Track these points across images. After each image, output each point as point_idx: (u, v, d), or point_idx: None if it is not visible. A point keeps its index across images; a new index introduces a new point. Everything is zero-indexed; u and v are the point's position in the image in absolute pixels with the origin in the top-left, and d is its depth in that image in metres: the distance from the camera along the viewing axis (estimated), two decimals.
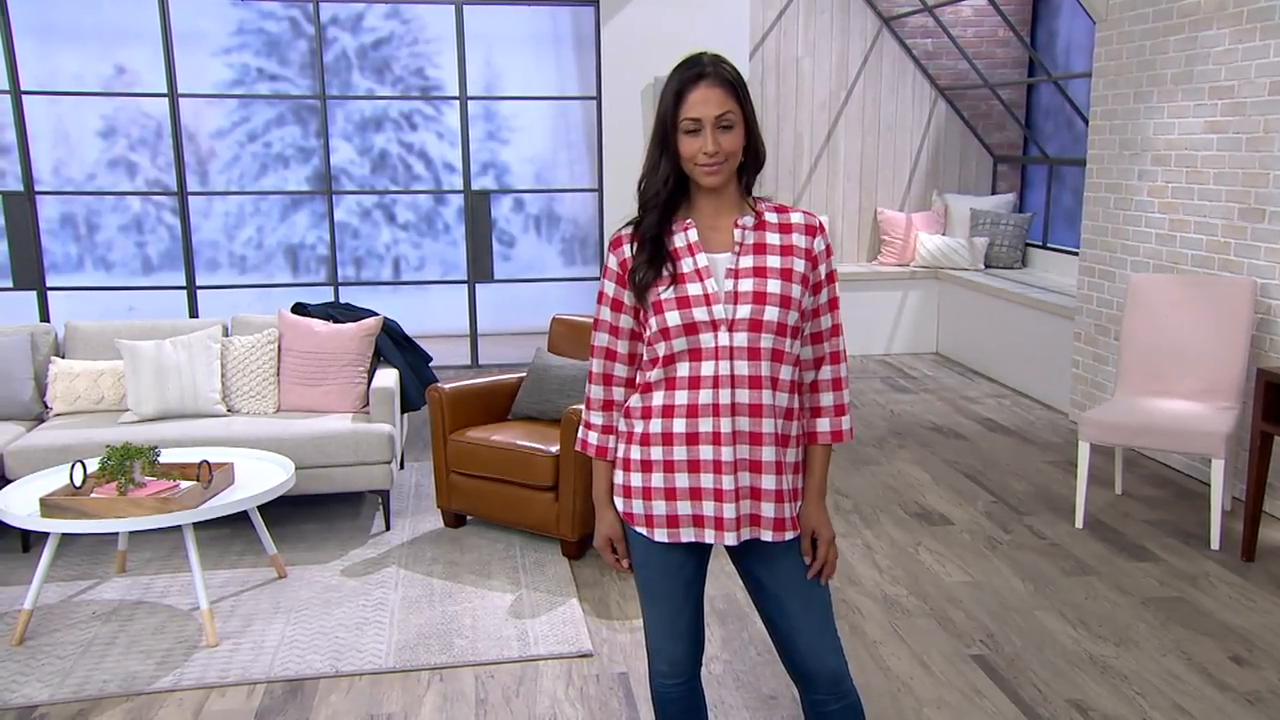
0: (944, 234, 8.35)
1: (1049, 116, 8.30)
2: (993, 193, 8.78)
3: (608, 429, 2.11)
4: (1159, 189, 5.25)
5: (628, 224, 2.06)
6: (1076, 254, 7.15)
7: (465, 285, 7.76)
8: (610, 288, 2.06)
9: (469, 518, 4.52)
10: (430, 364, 5.13)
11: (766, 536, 2.02)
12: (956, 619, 3.60)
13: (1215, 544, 4.15)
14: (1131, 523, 4.48)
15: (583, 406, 2.16)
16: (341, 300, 6.85)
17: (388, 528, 4.44)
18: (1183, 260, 5.07)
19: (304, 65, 7.53)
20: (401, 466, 5.20)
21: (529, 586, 3.87)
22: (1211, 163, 4.85)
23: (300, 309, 4.93)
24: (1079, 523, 4.43)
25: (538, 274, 7.97)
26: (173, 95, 7.18)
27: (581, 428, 2.15)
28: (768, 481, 1.99)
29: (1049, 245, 7.88)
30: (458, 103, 7.50)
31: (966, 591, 3.81)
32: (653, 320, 1.98)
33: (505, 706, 3.06)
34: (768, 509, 2.00)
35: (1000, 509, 4.67)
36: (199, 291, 7.55)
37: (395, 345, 4.95)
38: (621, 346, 2.08)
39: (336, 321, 4.83)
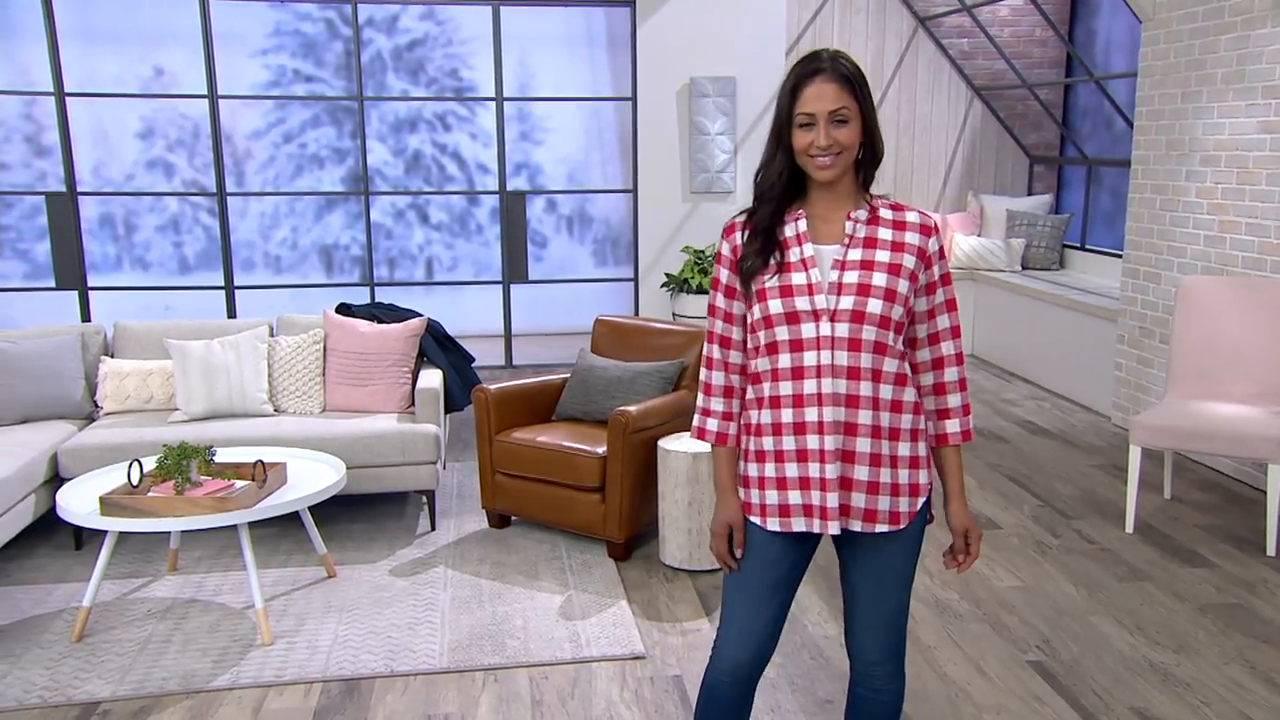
0: (980, 235, 8.30)
1: (1086, 117, 8.24)
2: (1029, 194, 8.72)
3: (728, 415, 2.12)
4: (1208, 190, 5.19)
5: (741, 211, 2.08)
6: (1115, 255, 7.09)
7: (500, 286, 7.77)
8: (724, 274, 2.08)
9: (513, 518, 4.53)
10: (473, 364, 5.14)
11: (855, 527, 2.03)
12: (1010, 624, 3.57)
13: (1271, 550, 4.10)
14: (1183, 527, 4.43)
15: (699, 393, 2.16)
16: (377, 300, 6.88)
17: (433, 528, 4.45)
18: (1233, 262, 5.01)
19: (339, 67, 7.56)
20: (444, 467, 5.21)
21: (577, 588, 3.86)
22: (1264, 163, 4.79)
23: (344, 309, 4.94)
24: (1129, 527, 4.38)
25: (569, 275, 7.97)
26: (213, 97, 7.22)
27: (698, 415, 2.15)
28: (860, 472, 1.99)
29: (1087, 246, 7.82)
30: (493, 104, 7.51)
31: (1019, 596, 3.78)
32: (756, 308, 2.01)
33: (561, 708, 3.05)
34: (857, 499, 2.01)
35: (1047, 513, 4.63)
36: (236, 291, 7.59)
37: (439, 346, 4.96)
38: (736, 333, 2.10)
39: (381, 322, 4.84)
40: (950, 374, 2.08)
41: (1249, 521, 4.46)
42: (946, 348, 2.08)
